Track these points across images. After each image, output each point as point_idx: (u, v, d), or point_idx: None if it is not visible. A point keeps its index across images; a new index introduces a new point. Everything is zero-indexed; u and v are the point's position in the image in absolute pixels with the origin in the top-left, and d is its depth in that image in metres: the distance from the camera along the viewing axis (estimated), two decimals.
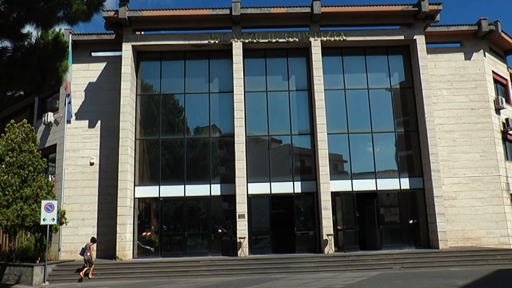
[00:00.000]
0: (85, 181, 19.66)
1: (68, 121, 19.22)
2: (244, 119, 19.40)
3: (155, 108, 20.43)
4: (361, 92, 20.44)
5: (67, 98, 19.11)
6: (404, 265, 16.52)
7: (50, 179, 19.65)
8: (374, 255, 17.54)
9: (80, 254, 17.01)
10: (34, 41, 11.35)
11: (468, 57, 21.27)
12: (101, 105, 20.38)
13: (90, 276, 16.06)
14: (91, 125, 20.24)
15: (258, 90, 20.32)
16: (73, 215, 18.96)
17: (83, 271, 16.02)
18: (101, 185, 19.54)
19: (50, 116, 20.87)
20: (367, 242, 20.63)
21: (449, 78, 21.00)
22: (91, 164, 19.80)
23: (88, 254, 16.11)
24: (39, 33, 11.56)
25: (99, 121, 20.26)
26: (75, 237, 19.12)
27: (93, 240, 17.10)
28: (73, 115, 19.93)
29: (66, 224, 17.93)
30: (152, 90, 20.70)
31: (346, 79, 20.55)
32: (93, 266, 16.26)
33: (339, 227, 19.11)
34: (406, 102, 20.62)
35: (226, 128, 20.15)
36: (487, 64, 21.43)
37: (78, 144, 20.01)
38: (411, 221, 19.61)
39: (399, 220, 19.61)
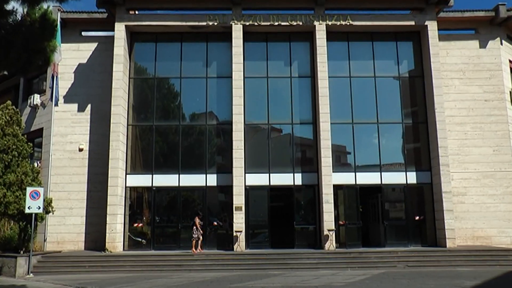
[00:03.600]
0: (73, 168, 19.52)
1: (55, 104, 19.00)
2: (243, 106, 19.29)
3: (149, 93, 20.34)
4: (367, 80, 20.31)
5: (55, 80, 18.87)
6: (409, 264, 16.41)
7: (36, 165, 19.48)
8: (377, 252, 17.50)
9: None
10: (19, 19, 11.02)
11: (483, 45, 20.99)
12: (91, 88, 20.17)
13: (193, 250, 17.22)
14: (81, 109, 20.05)
15: (258, 76, 20.19)
16: (60, 203, 18.79)
17: (194, 246, 17.28)
18: (91, 172, 19.44)
19: (36, 98, 20.68)
20: (370, 238, 20.55)
21: (462, 67, 20.76)
22: (80, 150, 19.65)
23: (195, 228, 17.28)
24: (25, 10, 11.25)
25: (89, 105, 20.09)
26: (62, 227, 19.02)
27: (197, 214, 17.79)
28: (60, 97, 19.71)
29: (53, 213, 17.81)
30: (146, 73, 20.59)
31: (352, 66, 20.40)
32: (196, 240, 17.42)
33: (341, 222, 19.10)
34: (415, 91, 20.49)
35: (224, 115, 20.07)
36: (503, 52, 21.14)
37: (67, 128, 19.84)
38: (417, 218, 19.54)
39: (404, 216, 19.54)
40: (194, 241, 17.45)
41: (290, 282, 13.41)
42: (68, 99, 20.07)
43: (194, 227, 17.45)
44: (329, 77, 19.54)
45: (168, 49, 20.55)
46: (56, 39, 15.21)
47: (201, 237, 17.61)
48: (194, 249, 17.39)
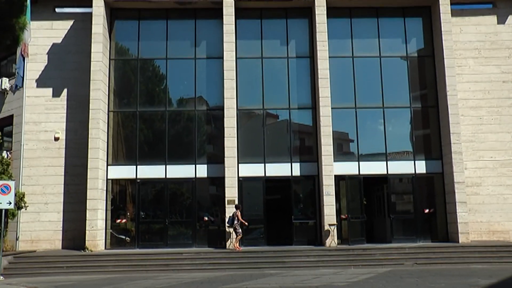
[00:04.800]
0: (48, 159, 19.33)
1: (17, 87, 18.70)
2: (235, 90, 19.26)
3: (132, 76, 20.26)
4: (371, 60, 20.29)
5: (24, 61, 18.59)
6: (417, 261, 16.42)
7: (5, 156, 19.28)
8: (383, 249, 17.53)
9: (228, 223, 17.86)
10: None
11: (501, 20, 20.76)
12: (67, 71, 19.93)
13: (235, 246, 17.56)
14: (56, 94, 19.80)
15: (252, 57, 20.16)
16: (34, 198, 18.72)
17: (238, 243, 17.62)
18: (68, 164, 19.29)
19: (5, 82, 20.39)
20: (375, 234, 20.76)
21: (477, 45, 20.55)
22: (56, 139, 19.44)
23: (236, 222, 17.51)
24: None
25: (65, 90, 19.84)
26: (37, 224, 18.89)
27: (237, 207, 17.92)
28: (32, 81, 19.52)
29: (26, 209, 17.75)
30: (128, 54, 20.50)
31: (355, 45, 20.35)
32: (239, 235, 17.64)
33: (343, 216, 19.07)
34: (425, 73, 20.43)
35: (215, 100, 20.00)
36: None
37: (40, 115, 19.61)
38: (427, 211, 19.52)
39: (413, 209, 19.56)
40: (239, 237, 17.67)
41: (288, 282, 13.38)
42: (41, 83, 19.80)
43: (237, 222, 17.60)
44: (329, 57, 19.44)
45: (153, 27, 20.38)
46: (25, 16, 14.74)
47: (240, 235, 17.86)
48: (238, 246, 17.68)
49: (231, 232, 17.90)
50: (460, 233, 18.10)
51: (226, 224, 17.98)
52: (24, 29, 12.29)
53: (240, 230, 17.62)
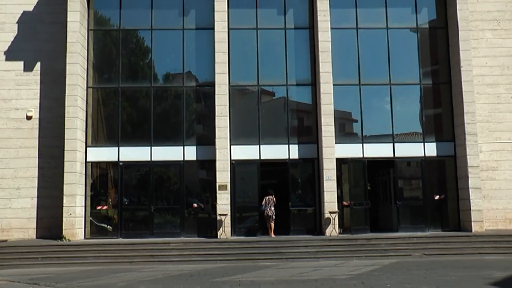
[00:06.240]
0: (20, 139, 19.23)
1: None
2: (227, 64, 19.23)
3: (113, 48, 20.21)
4: (378, 32, 20.26)
5: None
6: (426, 252, 16.56)
7: None
8: (388, 238, 17.64)
9: (263, 209, 18.49)
10: None
11: None
12: (40, 42, 19.78)
13: (273, 234, 18.26)
14: (28, 68, 19.66)
15: (246, 27, 20.11)
16: (4, 183, 18.88)
17: (272, 228, 18.35)
18: (42, 145, 19.23)
19: None
20: (380, 222, 20.89)
21: (496, 15, 20.34)
22: (29, 118, 19.33)
23: (272, 208, 18.36)
24: None
25: (38, 63, 19.72)
26: (8, 211, 18.93)
27: (271, 193, 18.64)
28: (0, 53, 19.40)
29: None
30: (109, 24, 20.45)
31: (359, 15, 20.28)
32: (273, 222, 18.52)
33: (345, 203, 19.16)
34: (437, 46, 20.41)
35: (205, 75, 20.02)
36: None
37: (10, 92, 19.48)
38: (437, 197, 19.63)
39: (421, 196, 19.64)
40: (273, 223, 18.39)
41: (285, 275, 13.44)
42: (10, 55, 19.66)
43: (273, 207, 18.40)
44: (331, 28, 19.35)
45: None
46: None
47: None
48: (273, 233, 18.34)
49: (271, 216, 18.42)
50: (474, 222, 18.17)
51: (262, 208, 18.55)
52: None
53: (273, 215, 18.51)
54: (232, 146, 19.06)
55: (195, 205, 19.36)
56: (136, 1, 20.15)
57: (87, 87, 19.42)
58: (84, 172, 18.85)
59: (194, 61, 20.07)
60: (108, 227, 18.92)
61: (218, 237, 18.06)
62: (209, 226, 18.79)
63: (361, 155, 19.44)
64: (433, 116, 20.27)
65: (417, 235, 17.83)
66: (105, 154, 19.36)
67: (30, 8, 19.86)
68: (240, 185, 19.26)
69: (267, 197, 18.42)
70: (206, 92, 19.79)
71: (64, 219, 17.78)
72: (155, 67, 20.12)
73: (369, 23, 20.13)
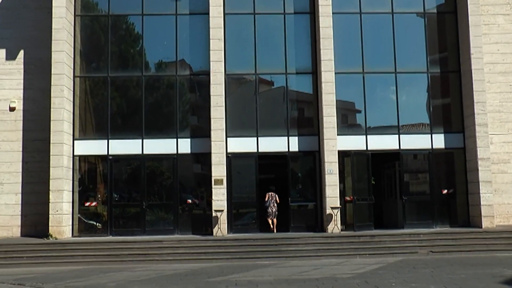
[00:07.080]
0: (3, 132, 19.25)
1: None
2: (223, 52, 19.23)
3: (102, 35, 20.19)
4: (383, 17, 20.26)
5: None
6: (433, 249, 16.59)
7: None
8: (394, 235, 17.73)
9: (266, 205, 18.92)
10: None
11: None
12: (24, 29, 19.77)
13: (274, 230, 18.85)
14: (11, 57, 19.64)
15: (242, 12, 20.12)
16: None
17: (275, 224, 18.88)
18: (27, 138, 19.26)
19: None
20: (385, 218, 21.00)
21: None
22: (12, 109, 19.34)
23: (276, 204, 18.91)
24: None
25: (21, 51, 19.72)
26: None
27: (273, 189, 19.09)
28: None
29: None
30: (97, 9, 20.44)
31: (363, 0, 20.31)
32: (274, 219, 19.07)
33: (347, 198, 19.23)
34: (445, 32, 20.48)
35: (199, 63, 20.12)
36: None
37: None
38: (445, 191, 19.68)
39: (429, 190, 19.70)
40: (276, 220, 18.95)
41: (284, 274, 13.48)
42: None
43: (275, 203, 18.93)
44: (333, 13, 19.33)
45: None
46: None
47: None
48: (275, 229, 18.93)
49: (275, 213, 18.91)
50: (484, 217, 18.20)
51: (265, 205, 18.94)
52: None
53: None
54: (228, 139, 19.04)
55: (189, 201, 19.38)
56: None
57: (74, 76, 19.40)
58: (71, 167, 18.83)
59: (188, 49, 20.05)
60: (97, 224, 18.93)
61: (214, 234, 18.04)
62: (204, 223, 18.87)
63: (364, 148, 19.47)
64: (441, 106, 20.34)
65: (424, 232, 17.87)
66: (94, 147, 19.35)
67: None
68: (237, 179, 19.28)
69: (270, 193, 18.78)
70: (201, 81, 19.79)
71: (50, 216, 17.74)
72: (147, 55, 20.07)
73: (373, 8, 20.11)
